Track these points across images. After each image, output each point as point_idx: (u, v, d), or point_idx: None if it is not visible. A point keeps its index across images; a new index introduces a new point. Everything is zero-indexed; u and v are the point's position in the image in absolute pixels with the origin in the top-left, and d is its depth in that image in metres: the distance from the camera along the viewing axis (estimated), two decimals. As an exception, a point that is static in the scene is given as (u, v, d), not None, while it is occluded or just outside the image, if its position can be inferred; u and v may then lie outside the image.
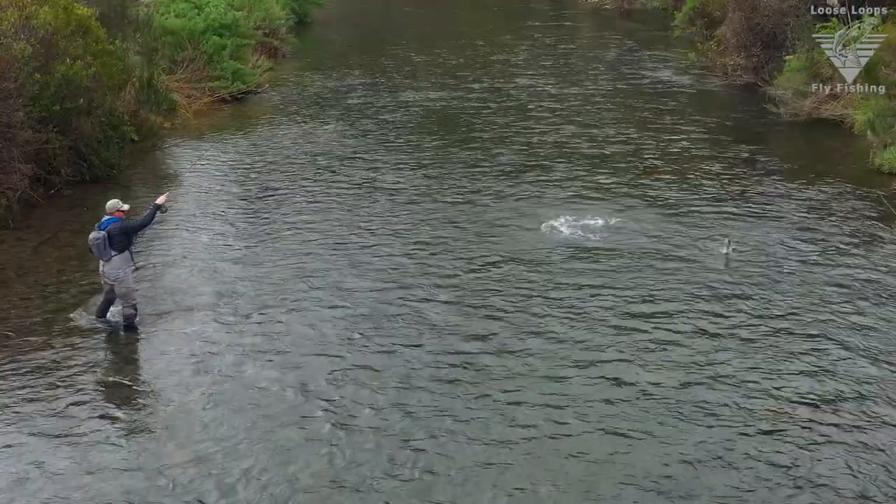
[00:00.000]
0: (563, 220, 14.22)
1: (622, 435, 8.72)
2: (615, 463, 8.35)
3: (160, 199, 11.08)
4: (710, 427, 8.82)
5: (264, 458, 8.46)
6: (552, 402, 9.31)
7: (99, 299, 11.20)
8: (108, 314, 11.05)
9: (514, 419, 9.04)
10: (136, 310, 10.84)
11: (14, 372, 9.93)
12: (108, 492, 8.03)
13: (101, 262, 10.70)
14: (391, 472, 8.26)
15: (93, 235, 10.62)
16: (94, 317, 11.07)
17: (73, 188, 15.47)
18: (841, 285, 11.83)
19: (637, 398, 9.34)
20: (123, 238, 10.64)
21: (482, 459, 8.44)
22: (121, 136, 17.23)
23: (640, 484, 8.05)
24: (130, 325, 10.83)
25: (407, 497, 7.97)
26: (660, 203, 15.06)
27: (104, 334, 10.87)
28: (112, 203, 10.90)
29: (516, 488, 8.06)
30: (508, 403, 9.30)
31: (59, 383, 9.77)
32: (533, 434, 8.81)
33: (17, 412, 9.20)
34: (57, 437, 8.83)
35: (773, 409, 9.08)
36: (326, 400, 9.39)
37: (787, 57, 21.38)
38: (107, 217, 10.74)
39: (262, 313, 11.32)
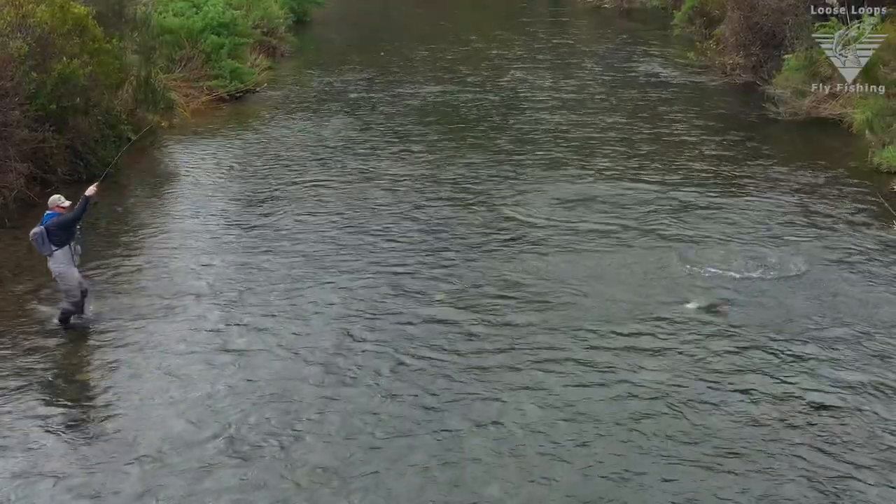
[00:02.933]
0: (563, 203, 14.83)
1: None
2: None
3: (89, 191, 10.88)
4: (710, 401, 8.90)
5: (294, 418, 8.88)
6: (551, 357, 9.94)
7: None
8: (86, 311, 10.98)
9: (513, 367, 9.83)
10: (75, 308, 10.78)
11: (11, 370, 9.89)
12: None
13: (48, 259, 10.70)
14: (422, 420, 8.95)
15: (32, 231, 10.65)
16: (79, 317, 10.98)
17: (69, 187, 15.39)
18: (839, 284, 11.79)
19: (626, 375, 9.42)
20: (61, 233, 10.58)
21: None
22: (118, 135, 17.18)
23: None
24: (65, 321, 10.76)
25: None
26: (656, 197, 15.16)
27: (102, 330, 10.81)
28: (53, 198, 10.89)
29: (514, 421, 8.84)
30: (503, 360, 9.85)
31: (58, 381, 9.75)
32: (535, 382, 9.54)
33: (15, 410, 9.15)
34: (60, 435, 8.79)
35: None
36: (346, 367, 9.92)
37: (786, 56, 21.37)
38: (48, 212, 10.73)
39: (267, 300, 11.52)
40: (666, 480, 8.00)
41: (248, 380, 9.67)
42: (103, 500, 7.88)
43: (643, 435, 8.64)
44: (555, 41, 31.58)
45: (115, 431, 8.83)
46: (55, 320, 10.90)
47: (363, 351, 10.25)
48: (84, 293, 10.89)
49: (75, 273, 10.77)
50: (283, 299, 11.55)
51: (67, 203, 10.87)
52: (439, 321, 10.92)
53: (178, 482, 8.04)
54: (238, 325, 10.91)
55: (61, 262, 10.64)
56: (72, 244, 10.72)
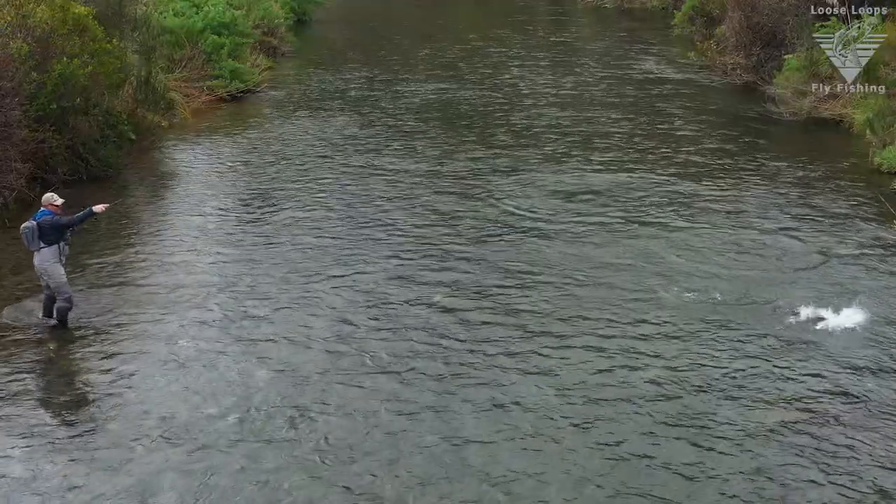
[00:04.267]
0: (562, 195, 15.35)
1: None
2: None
3: (98, 208, 10.88)
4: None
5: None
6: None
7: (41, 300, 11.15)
8: (53, 315, 10.91)
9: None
10: (70, 303, 10.76)
11: (11, 371, 9.88)
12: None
13: (34, 254, 10.68)
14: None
15: (23, 225, 10.63)
16: (40, 316, 10.97)
17: (70, 187, 15.41)
18: (839, 285, 11.79)
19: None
20: (53, 232, 10.58)
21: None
22: (119, 135, 17.19)
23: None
24: (63, 320, 10.74)
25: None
26: (654, 194, 15.28)
27: (103, 331, 10.78)
28: (47, 196, 10.88)
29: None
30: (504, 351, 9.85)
31: (58, 381, 9.76)
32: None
33: (16, 411, 9.13)
34: (61, 437, 8.76)
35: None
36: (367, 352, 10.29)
37: (787, 56, 21.37)
38: (41, 209, 10.72)
39: (272, 293, 11.72)
40: (664, 476, 8.03)
41: (257, 368, 9.86)
42: (121, 475, 8.06)
43: (643, 425, 8.76)
44: (554, 40, 31.60)
45: (127, 418, 8.92)
46: (37, 316, 10.91)
47: (370, 338, 10.51)
48: (53, 297, 10.81)
49: (62, 269, 10.76)
50: (289, 292, 11.73)
51: (61, 201, 10.87)
52: (444, 310, 11.20)
53: (192, 463, 8.26)
54: (245, 317, 11.07)
55: (47, 259, 10.63)
56: (61, 244, 10.73)
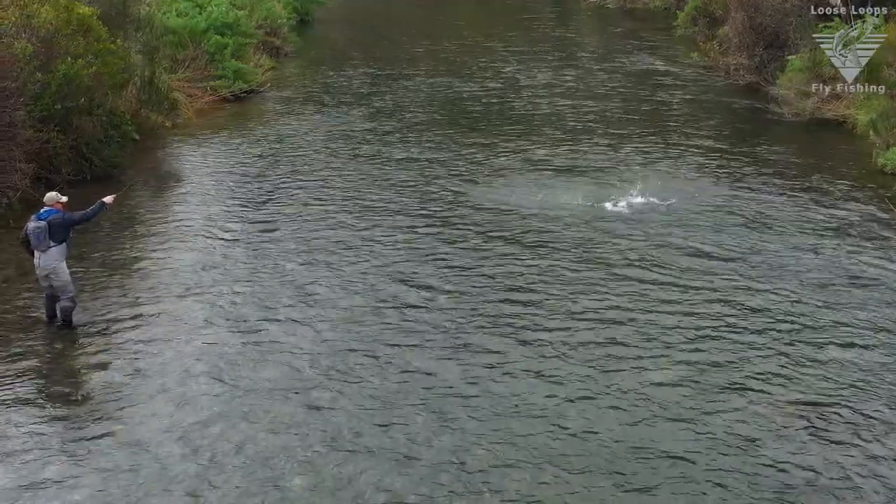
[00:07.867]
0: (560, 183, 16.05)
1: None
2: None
3: (108, 199, 11.05)
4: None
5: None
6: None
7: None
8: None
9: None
10: (74, 302, 10.81)
11: (13, 371, 9.90)
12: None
13: (37, 254, 10.66)
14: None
15: (32, 225, 10.60)
16: (45, 319, 10.98)
17: (74, 187, 15.43)
18: (843, 286, 11.81)
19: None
20: (63, 230, 10.62)
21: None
22: (122, 136, 17.21)
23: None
24: (67, 319, 10.76)
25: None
26: (656, 195, 15.30)
27: (107, 331, 10.81)
28: (51, 195, 10.91)
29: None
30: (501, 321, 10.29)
31: (62, 382, 9.77)
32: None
33: (18, 412, 9.16)
34: (65, 439, 8.79)
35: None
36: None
37: (790, 57, 21.37)
38: (46, 208, 10.74)
39: (282, 282, 12.09)
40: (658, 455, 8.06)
41: (266, 360, 10.12)
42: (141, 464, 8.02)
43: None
44: (555, 42, 31.57)
45: (137, 413, 8.95)
46: (60, 326, 10.89)
47: (389, 309, 11.19)
48: (56, 296, 10.83)
49: (66, 268, 10.79)
50: (302, 276, 12.19)
51: (65, 199, 10.93)
52: (453, 281, 12.07)
53: (201, 450, 8.24)
54: (253, 308, 11.31)
55: (55, 259, 10.65)
56: (67, 242, 10.77)
